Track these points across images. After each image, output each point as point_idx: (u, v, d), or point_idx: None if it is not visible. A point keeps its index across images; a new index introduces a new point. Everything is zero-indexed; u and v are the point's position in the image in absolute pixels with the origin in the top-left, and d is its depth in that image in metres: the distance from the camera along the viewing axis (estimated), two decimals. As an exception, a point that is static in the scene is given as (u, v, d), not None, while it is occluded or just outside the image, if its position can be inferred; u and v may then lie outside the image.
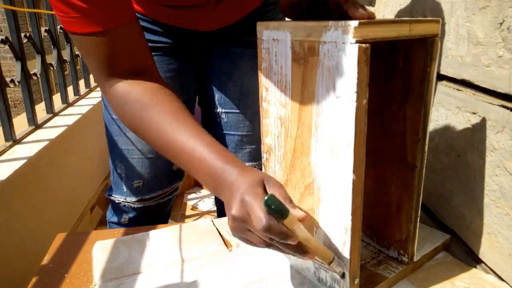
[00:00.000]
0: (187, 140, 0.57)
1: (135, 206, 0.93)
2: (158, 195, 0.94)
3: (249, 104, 0.94)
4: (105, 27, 0.58)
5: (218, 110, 0.96)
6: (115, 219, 0.97)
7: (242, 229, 0.50)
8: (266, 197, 0.45)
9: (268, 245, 0.49)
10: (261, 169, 0.95)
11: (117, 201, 0.94)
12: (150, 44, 0.81)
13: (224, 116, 0.96)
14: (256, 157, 0.99)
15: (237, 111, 0.95)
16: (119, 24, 0.59)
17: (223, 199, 0.52)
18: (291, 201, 0.49)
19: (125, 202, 0.93)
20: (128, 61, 0.63)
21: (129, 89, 0.63)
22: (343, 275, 0.53)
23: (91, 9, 0.56)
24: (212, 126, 0.99)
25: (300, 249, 0.49)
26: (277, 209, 0.45)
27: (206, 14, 0.83)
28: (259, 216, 0.46)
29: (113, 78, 0.63)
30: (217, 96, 0.95)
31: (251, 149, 0.98)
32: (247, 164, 0.97)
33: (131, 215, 0.94)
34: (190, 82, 0.95)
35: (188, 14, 0.84)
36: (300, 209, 0.49)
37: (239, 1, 0.85)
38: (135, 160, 0.90)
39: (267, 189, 0.50)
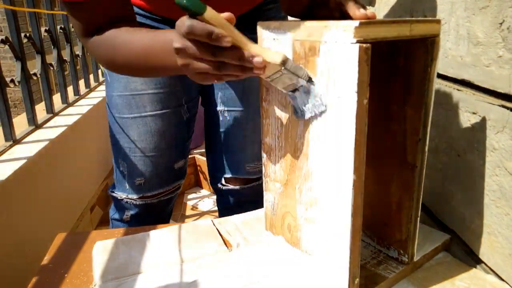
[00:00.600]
0: (131, 35, 0.61)
1: (137, 203, 0.94)
2: (160, 193, 0.95)
3: (251, 102, 0.94)
4: None
5: (220, 109, 0.96)
6: (117, 216, 0.97)
7: (186, 60, 0.49)
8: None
9: (214, 65, 0.48)
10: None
11: (119, 198, 0.94)
12: None
13: (226, 115, 0.96)
14: (259, 156, 0.98)
15: (240, 109, 0.95)
16: None
17: (173, 53, 0.51)
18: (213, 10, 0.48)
19: (127, 199, 0.94)
20: (111, 26, 0.64)
21: (102, 33, 0.64)
22: (309, 80, 0.49)
23: None
24: (215, 125, 0.99)
25: (244, 55, 0.47)
26: (190, 4, 0.44)
27: (214, 6, 0.82)
28: (181, 21, 0.46)
29: (93, 33, 0.65)
30: (220, 94, 0.95)
31: (253, 148, 0.98)
32: (249, 164, 0.98)
33: (133, 212, 0.95)
34: (192, 82, 0.94)
35: None
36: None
37: None
38: (137, 158, 0.91)
39: None
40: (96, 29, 0.64)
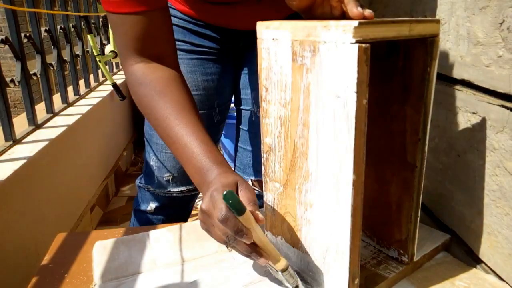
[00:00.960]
0: (185, 133, 0.63)
1: (164, 195, 0.98)
2: (186, 190, 0.98)
3: None
4: (140, 8, 0.63)
5: (253, 109, 0.98)
6: (142, 207, 1.01)
7: (207, 222, 0.55)
8: (225, 192, 0.50)
9: (226, 242, 0.54)
10: None
11: (147, 190, 0.99)
12: (190, 47, 0.86)
13: (259, 115, 0.97)
14: None
15: None
16: (153, 7, 0.64)
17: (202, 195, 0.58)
18: (255, 204, 0.53)
19: (154, 191, 0.98)
20: (153, 45, 0.68)
21: (147, 71, 0.68)
22: (296, 287, 0.57)
23: None
24: (248, 125, 1.01)
25: (254, 251, 0.54)
26: (234, 204, 0.50)
27: (249, 12, 0.84)
28: (220, 207, 0.51)
29: (135, 57, 0.68)
30: (253, 94, 0.97)
31: None
32: None
33: (158, 204, 0.99)
34: (226, 85, 0.97)
35: (231, 12, 0.85)
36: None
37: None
38: (167, 155, 0.94)
39: (239, 191, 0.55)
40: (140, 54, 0.67)
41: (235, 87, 1.01)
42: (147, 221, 1.01)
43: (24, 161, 1.20)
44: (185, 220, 1.08)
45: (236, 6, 0.83)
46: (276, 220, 0.64)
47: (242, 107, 1.01)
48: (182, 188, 0.97)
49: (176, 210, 1.02)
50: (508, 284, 0.57)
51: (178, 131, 0.63)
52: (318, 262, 0.57)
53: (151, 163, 0.97)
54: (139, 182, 1.01)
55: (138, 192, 1.03)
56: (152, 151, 0.96)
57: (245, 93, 0.99)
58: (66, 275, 0.66)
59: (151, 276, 0.63)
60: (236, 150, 1.09)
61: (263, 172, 0.64)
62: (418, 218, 0.60)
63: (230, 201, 0.50)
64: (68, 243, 0.75)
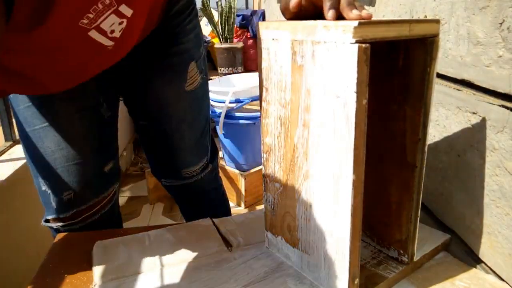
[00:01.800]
0: None
1: (77, 225, 0.81)
2: (95, 204, 0.83)
3: (170, 114, 0.89)
4: None
5: (143, 123, 0.93)
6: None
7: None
8: None
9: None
10: (206, 167, 0.97)
11: (55, 227, 0.82)
12: None
13: (149, 128, 0.93)
14: (192, 163, 0.96)
15: (159, 123, 0.90)
16: None
17: None
18: None
19: (60, 221, 0.81)
20: None
21: None
22: None
23: None
24: (143, 136, 0.96)
25: None
26: None
27: (116, 52, 0.68)
28: None
29: None
30: (139, 109, 0.92)
31: (185, 156, 0.95)
32: (185, 170, 0.95)
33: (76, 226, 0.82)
34: (108, 85, 0.84)
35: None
36: None
37: (134, 32, 0.68)
38: (60, 169, 0.78)
39: None
40: None
41: (120, 88, 0.90)
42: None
43: (24, 161, 1.20)
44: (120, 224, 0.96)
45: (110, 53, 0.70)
46: (276, 220, 0.64)
47: (134, 119, 0.95)
48: (90, 203, 0.82)
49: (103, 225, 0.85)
50: (508, 284, 0.57)
51: None
52: (318, 262, 0.57)
53: (43, 188, 0.80)
54: (44, 221, 0.84)
55: (52, 234, 0.86)
56: (40, 174, 0.80)
57: (132, 104, 0.92)
58: (66, 275, 0.66)
59: (151, 276, 0.63)
60: (145, 153, 1.01)
61: (263, 172, 0.64)
62: (418, 218, 0.61)
63: None
64: (68, 243, 0.75)
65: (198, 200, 1.06)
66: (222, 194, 1.13)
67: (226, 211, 1.14)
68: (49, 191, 0.80)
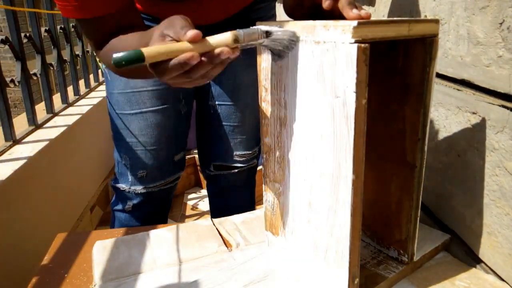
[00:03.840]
0: (127, 40, 0.64)
1: (139, 192, 0.98)
2: (161, 184, 0.99)
3: (241, 96, 1.00)
4: (98, 14, 0.64)
5: (211, 103, 1.01)
6: (119, 206, 1.00)
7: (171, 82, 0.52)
8: (113, 58, 0.44)
9: (188, 77, 0.49)
10: (257, 157, 1.05)
11: (122, 189, 0.98)
12: None
13: (217, 108, 1.01)
14: (246, 147, 1.05)
15: (230, 103, 1.00)
16: (112, 10, 0.65)
17: None
18: (184, 27, 0.48)
19: (130, 189, 0.98)
20: (117, 31, 0.67)
21: None
22: (267, 33, 0.50)
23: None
24: (206, 117, 1.04)
25: (210, 58, 0.47)
26: (128, 60, 0.44)
27: (200, 8, 0.85)
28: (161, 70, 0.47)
29: (105, 43, 0.68)
30: (212, 89, 1.00)
31: (242, 138, 1.04)
32: (238, 153, 1.05)
33: (135, 201, 0.99)
34: None
35: (187, 7, 0.85)
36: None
37: None
38: (139, 151, 0.95)
39: (163, 24, 0.51)
40: (106, 39, 0.67)
41: None
42: (126, 220, 1.00)
43: (24, 161, 1.20)
44: (165, 216, 1.08)
45: (188, 3, 0.84)
46: (276, 220, 0.64)
47: (202, 100, 1.04)
48: (157, 183, 0.98)
49: (154, 205, 1.02)
50: (508, 284, 0.57)
51: (120, 39, 0.65)
52: (318, 262, 0.57)
53: (124, 162, 0.97)
54: (113, 183, 1.01)
55: (114, 193, 1.03)
56: (123, 150, 0.96)
57: (205, 88, 1.01)
58: (66, 275, 0.66)
59: (151, 276, 0.63)
60: (198, 141, 1.11)
61: (263, 172, 0.64)
62: (418, 218, 0.60)
63: (123, 62, 0.44)
64: (68, 243, 0.75)
65: (235, 194, 1.15)
66: (253, 201, 1.21)
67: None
68: (128, 166, 0.96)
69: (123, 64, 0.44)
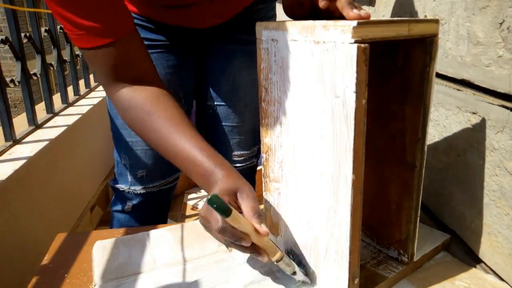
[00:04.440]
0: (183, 144, 0.64)
1: (139, 192, 0.98)
2: (160, 184, 0.99)
3: (239, 97, 1.00)
4: (108, 40, 0.63)
5: (210, 103, 1.02)
6: (119, 207, 1.00)
7: (207, 226, 0.58)
8: (209, 196, 0.50)
9: (227, 243, 0.56)
10: (256, 156, 1.05)
11: (121, 189, 0.98)
12: (148, 42, 0.84)
13: (216, 109, 1.02)
14: (245, 147, 1.06)
15: (228, 103, 1.01)
16: (120, 36, 0.65)
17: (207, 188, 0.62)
18: (259, 216, 0.55)
19: (129, 190, 0.98)
20: (130, 68, 0.68)
21: (132, 94, 0.68)
22: (293, 273, 0.58)
23: (94, 26, 0.61)
24: (205, 117, 1.05)
25: (253, 250, 0.56)
26: (219, 208, 0.50)
27: (202, 12, 0.86)
28: (216, 218, 0.53)
29: (117, 84, 0.68)
30: (211, 90, 1.01)
31: (240, 139, 1.05)
32: (236, 152, 1.05)
33: (134, 202, 0.99)
34: (188, 77, 0.98)
35: (185, 12, 0.86)
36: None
37: None
38: (139, 151, 0.94)
39: (239, 199, 0.56)
40: (121, 80, 0.68)
41: (196, 82, 1.02)
42: (126, 221, 1.00)
43: (24, 161, 1.20)
44: (165, 216, 1.08)
45: (190, 7, 0.84)
46: (276, 220, 0.64)
47: (201, 101, 1.04)
48: (157, 183, 0.98)
49: (154, 206, 1.02)
50: (508, 284, 0.57)
51: (175, 145, 0.64)
52: (318, 262, 0.57)
53: (123, 162, 0.97)
54: (113, 184, 1.01)
55: (114, 193, 1.02)
56: (122, 150, 0.96)
57: (204, 88, 1.02)
58: (66, 275, 0.66)
59: (151, 276, 0.63)
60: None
61: (263, 172, 0.64)
62: (418, 218, 0.60)
63: (215, 205, 0.50)
64: (68, 243, 0.75)
65: None
66: None
67: None
68: (127, 166, 0.96)
69: (213, 206, 0.50)
